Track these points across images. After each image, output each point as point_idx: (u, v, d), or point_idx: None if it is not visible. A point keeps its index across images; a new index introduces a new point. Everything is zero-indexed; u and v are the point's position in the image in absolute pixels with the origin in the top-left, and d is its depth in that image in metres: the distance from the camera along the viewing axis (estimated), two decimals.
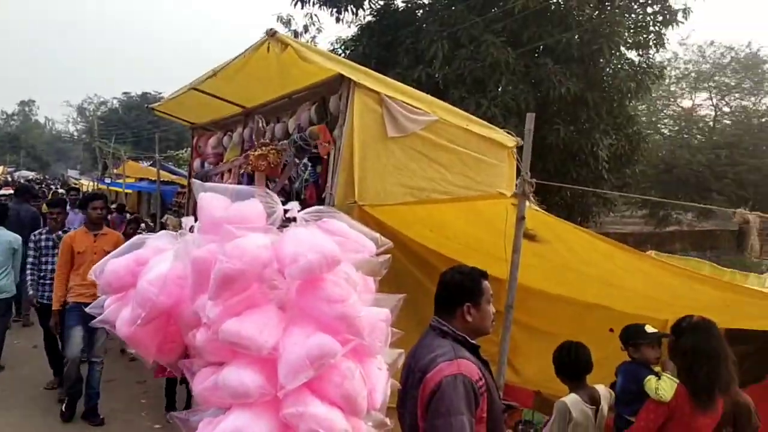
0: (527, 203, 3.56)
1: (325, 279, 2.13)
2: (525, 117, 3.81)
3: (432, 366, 2.48)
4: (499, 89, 12.67)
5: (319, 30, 16.82)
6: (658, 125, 29.43)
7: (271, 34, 4.26)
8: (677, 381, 3.43)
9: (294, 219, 2.24)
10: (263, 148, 2.72)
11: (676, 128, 29.49)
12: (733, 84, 30.23)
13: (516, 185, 3.72)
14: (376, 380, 2.26)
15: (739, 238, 20.95)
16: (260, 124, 3.20)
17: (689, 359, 3.38)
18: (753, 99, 30.50)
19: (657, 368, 3.78)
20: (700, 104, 31.33)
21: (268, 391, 2.10)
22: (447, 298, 2.71)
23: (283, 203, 2.32)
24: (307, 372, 2.06)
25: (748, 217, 3.81)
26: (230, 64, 4.95)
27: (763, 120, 27.01)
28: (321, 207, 2.33)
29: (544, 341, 4.79)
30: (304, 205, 2.64)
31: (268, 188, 2.85)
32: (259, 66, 4.84)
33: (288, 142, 5.11)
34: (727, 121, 29.34)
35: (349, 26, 16.14)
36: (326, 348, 2.09)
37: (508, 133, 5.74)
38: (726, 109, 30.86)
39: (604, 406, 3.82)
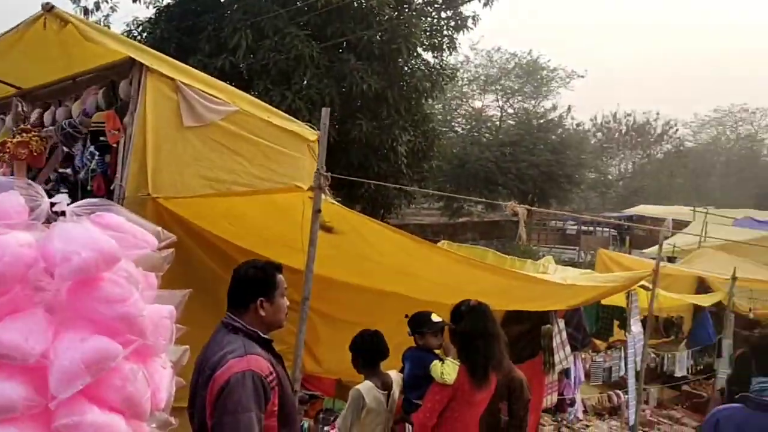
0: (324, 196, 3.63)
1: (102, 278, 1.98)
2: (329, 111, 3.88)
3: (221, 363, 2.45)
4: (304, 82, 12.77)
5: (113, 9, 15.68)
6: (452, 123, 31.59)
7: (48, 8, 3.86)
8: (458, 363, 3.73)
9: (63, 213, 2.05)
10: (24, 134, 2.45)
11: (468, 127, 31.85)
12: (516, 88, 33.44)
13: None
14: (160, 380, 2.15)
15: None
16: (20, 108, 2.87)
17: (468, 340, 3.70)
18: (533, 102, 34.02)
19: (439, 352, 4.06)
20: (489, 105, 34.24)
21: (38, 402, 1.90)
22: (240, 293, 2.68)
23: (48, 195, 2.10)
24: (83, 378, 1.89)
25: (517, 209, 4.23)
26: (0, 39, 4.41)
27: (541, 121, 30.14)
28: (95, 200, 2.15)
29: (344, 330, 4.91)
30: (90, 197, 2.42)
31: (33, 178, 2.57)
32: (36, 43, 4.36)
33: (54, 129, 4.68)
34: (511, 122, 32.32)
35: (148, 7, 15.21)
36: (105, 351, 1.94)
37: (310, 126, 5.79)
38: (510, 111, 34.05)
39: (396, 391, 4.03)
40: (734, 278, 8.97)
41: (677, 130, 47.20)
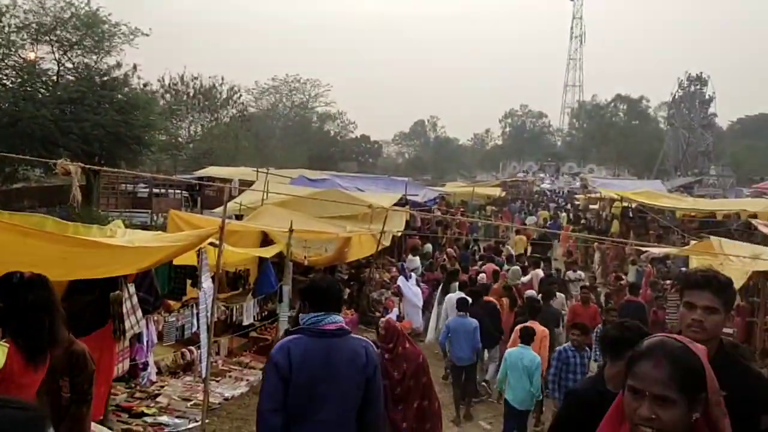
0: None
1: None
2: None
3: None
4: None
5: None
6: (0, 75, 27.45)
7: None
8: (7, 344, 3.33)
9: None
10: None
11: (20, 80, 28.04)
12: (75, 40, 30.57)
13: None
14: None
15: (89, 191, 21.74)
16: None
17: (29, 317, 3.32)
18: (95, 57, 31.58)
19: None
20: (44, 57, 30.57)
21: None
22: None
23: None
24: None
25: (69, 168, 3.91)
26: None
27: (105, 79, 28.35)
28: None
29: None
30: None
31: None
32: None
33: None
34: (71, 77, 29.58)
35: None
36: None
37: None
38: (69, 65, 31.03)
39: None
40: (291, 230, 10.08)
41: (241, 95, 50.22)
